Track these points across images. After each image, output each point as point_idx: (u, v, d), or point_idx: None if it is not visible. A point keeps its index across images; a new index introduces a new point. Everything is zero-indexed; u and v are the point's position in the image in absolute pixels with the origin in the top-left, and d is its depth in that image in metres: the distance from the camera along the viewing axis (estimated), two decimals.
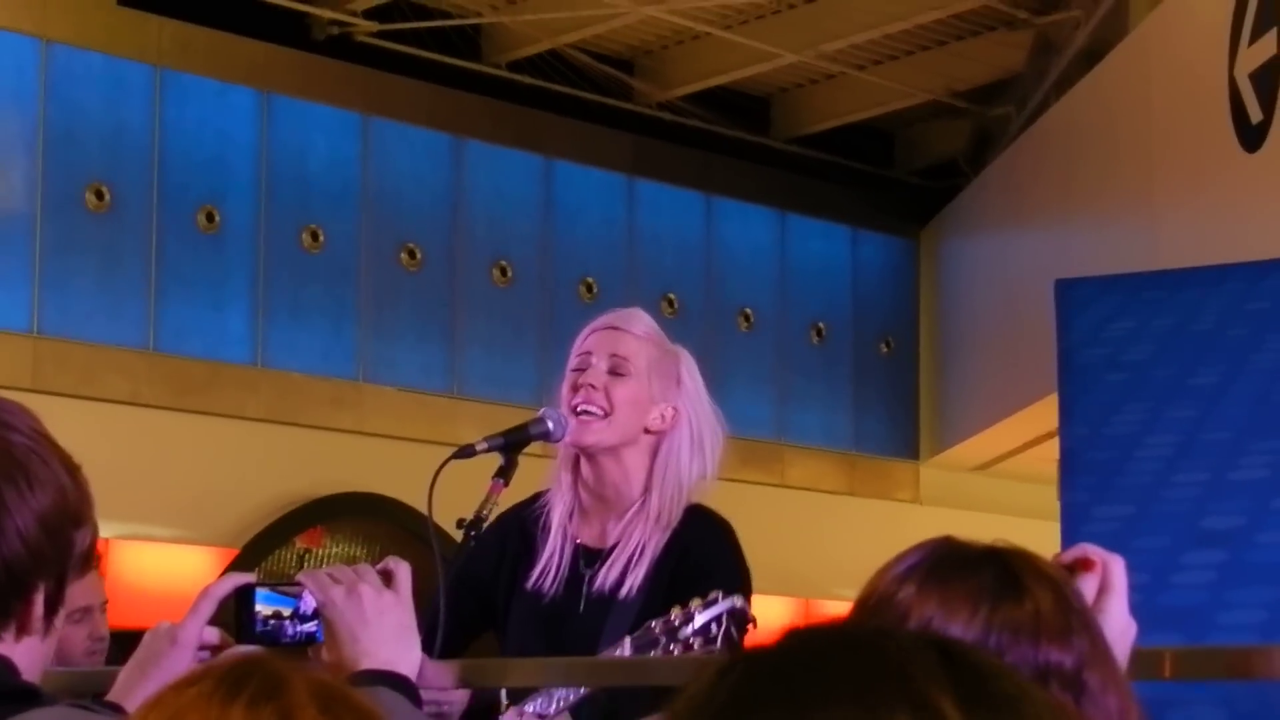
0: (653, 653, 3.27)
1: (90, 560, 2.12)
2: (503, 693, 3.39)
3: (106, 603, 5.22)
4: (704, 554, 3.56)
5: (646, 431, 3.65)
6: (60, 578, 2.05)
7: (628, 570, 3.55)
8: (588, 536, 3.64)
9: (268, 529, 10.11)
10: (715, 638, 3.26)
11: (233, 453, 9.99)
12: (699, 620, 3.27)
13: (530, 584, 3.61)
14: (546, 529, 3.66)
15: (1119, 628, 1.88)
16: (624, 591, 3.55)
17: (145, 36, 10.03)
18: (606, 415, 3.62)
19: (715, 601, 3.28)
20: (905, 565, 1.68)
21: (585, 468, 3.66)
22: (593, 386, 3.63)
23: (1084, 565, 1.92)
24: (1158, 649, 2.40)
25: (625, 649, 3.32)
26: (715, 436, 3.71)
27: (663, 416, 3.66)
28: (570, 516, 3.66)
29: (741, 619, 3.29)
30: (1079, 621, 1.66)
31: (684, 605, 3.29)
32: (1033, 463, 11.38)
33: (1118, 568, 1.93)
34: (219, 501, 9.90)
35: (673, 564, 3.51)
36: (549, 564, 3.62)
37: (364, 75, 10.76)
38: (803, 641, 1.10)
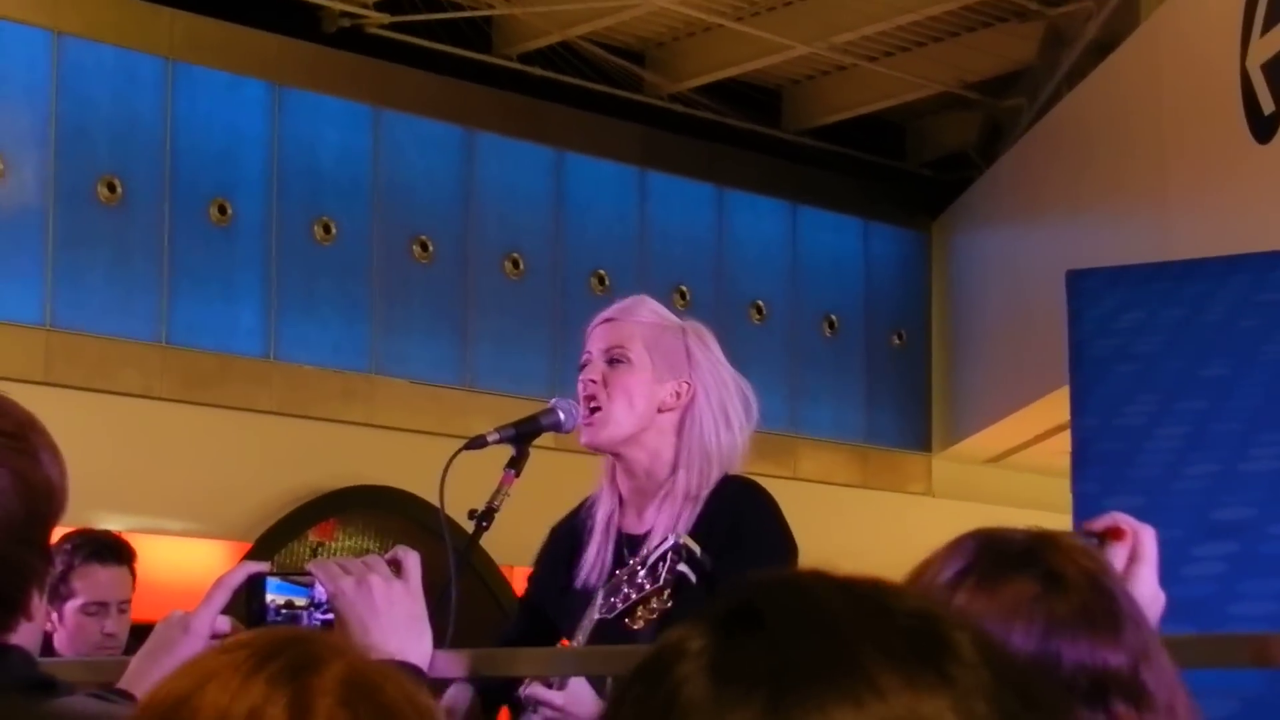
0: (614, 599, 3.36)
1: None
2: None
3: (127, 602, 5.19)
4: (734, 520, 3.56)
5: (661, 411, 3.64)
6: (48, 558, 2.07)
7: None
8: (630, 525, 3.66)
9: (280, 522, 10.12)
10: (660, 575, 3.31)
11: (245, 446, 10.00)
12: (650, 561, 3.34)
13: (578, 582, 3.63)
14: (592, 529, 3.67)
15: (1148, 595, 1.91)
16: None
17: (156, 29, 10.03)
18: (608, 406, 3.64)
19: (663, 542, 3.36)
20: (951, 572, 1.67)
21: (619, 463, 3.67)
22: (593, 381, 3.64)
23: (1115, 534, 1.95)
24: (1170, 636, 2.40)
25: (599, 598, 3.40)
26: (740, 403, 3.69)
27: (676, 394, 3.65)
28: (615, 510, 3.67)
29: (688, 553, 3.32)
30: (1124, 612, 1.67)
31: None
32: (1045, 455, 11.37)
33: (1148, 537, 1.96)
34: (231, 495, 9.90)
35: (703, 535, 3.51)
36: (594, 560, 3.63)
37: (375, 68, 10.75)
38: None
